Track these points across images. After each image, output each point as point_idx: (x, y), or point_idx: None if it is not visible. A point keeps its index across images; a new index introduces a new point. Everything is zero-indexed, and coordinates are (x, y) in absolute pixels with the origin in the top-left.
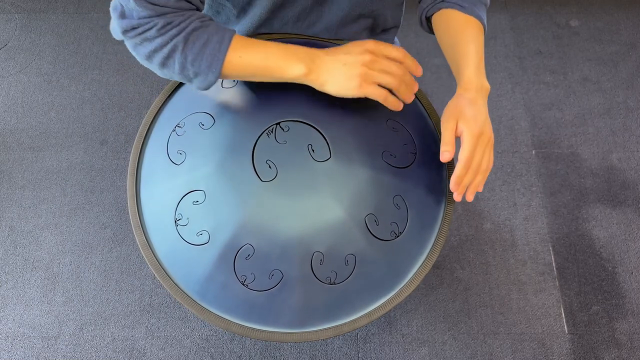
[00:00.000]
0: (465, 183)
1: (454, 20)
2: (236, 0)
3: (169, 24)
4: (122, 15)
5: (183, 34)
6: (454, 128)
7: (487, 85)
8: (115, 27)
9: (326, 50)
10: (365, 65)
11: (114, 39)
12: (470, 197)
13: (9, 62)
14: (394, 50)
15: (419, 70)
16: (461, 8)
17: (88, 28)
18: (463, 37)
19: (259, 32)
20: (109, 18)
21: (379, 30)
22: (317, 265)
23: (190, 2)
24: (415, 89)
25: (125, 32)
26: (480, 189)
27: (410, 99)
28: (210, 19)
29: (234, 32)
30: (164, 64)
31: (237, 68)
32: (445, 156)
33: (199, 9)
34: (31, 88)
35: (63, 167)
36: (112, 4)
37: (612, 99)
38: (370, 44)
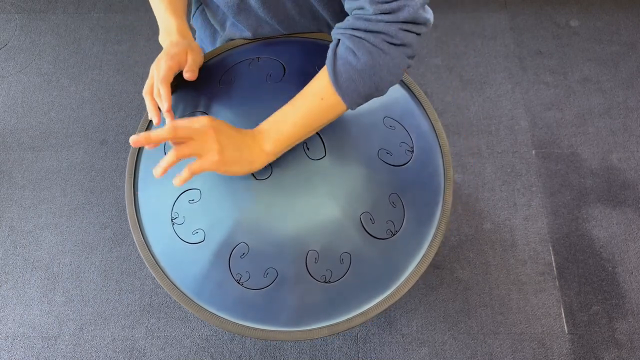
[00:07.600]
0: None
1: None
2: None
3: None
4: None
5: None
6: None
7: (267, 148)
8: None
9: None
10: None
11: (114, 38)
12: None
13: (9, 62)
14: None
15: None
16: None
17: (88, 28)
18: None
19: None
20: (109, 18)
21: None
22: (312, 264)
23: None
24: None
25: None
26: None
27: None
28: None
29: None
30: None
31: None
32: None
33: None
34: (31, 88)
35: (63, 167)
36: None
37: (612, 99)
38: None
